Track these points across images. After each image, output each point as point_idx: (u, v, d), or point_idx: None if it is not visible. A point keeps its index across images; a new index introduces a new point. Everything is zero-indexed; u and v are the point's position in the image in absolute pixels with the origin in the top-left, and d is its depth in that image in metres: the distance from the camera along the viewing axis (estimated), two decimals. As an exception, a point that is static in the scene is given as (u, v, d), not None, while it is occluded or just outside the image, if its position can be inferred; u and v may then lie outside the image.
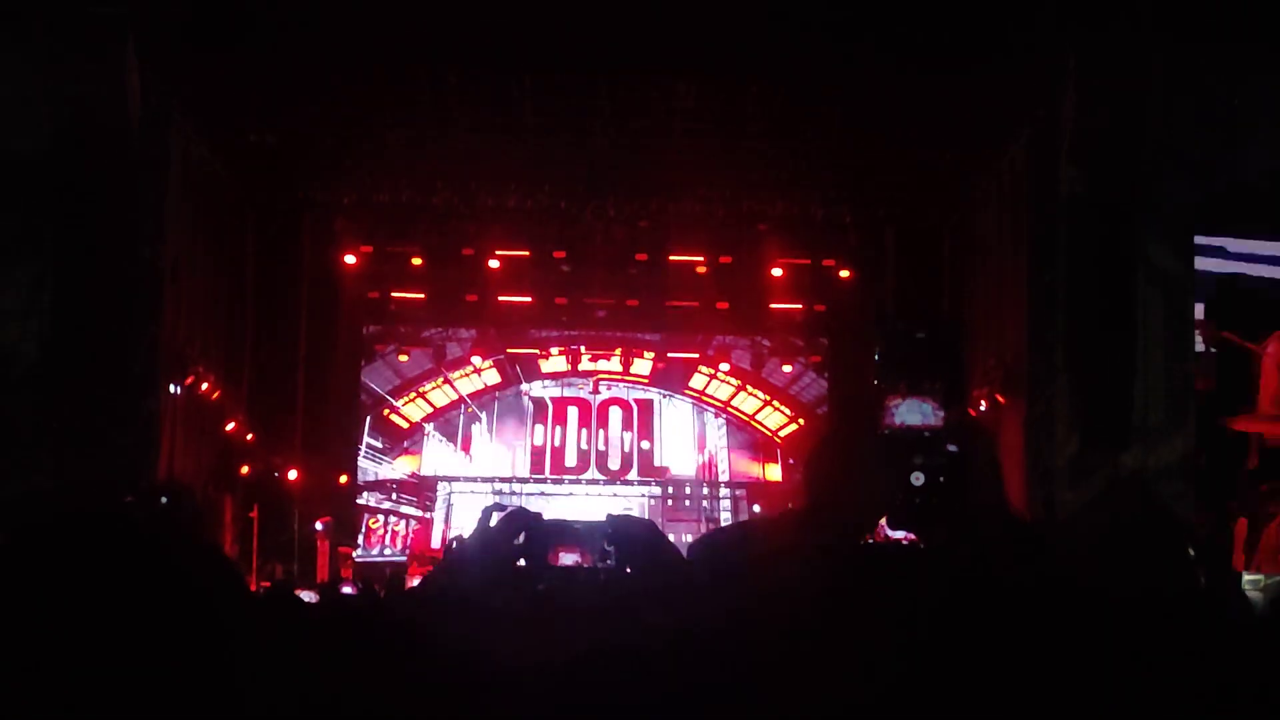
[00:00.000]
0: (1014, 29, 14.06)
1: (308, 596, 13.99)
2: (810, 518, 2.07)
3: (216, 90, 16.36)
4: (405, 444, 25.81)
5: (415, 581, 17.94)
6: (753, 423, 26.24)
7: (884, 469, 2.05)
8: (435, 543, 24.54)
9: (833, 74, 15.95)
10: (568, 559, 3.45)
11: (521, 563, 3.23)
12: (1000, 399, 17.68)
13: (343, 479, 23.35)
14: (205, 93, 16.34)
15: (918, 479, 2.41)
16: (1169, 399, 15.28)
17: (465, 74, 16.45)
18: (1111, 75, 14.78)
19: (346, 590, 14.49)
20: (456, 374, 25.86)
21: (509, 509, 3.33)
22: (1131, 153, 14.94)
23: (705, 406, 26.34)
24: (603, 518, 3.44)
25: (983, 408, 18.97)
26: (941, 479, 2.46)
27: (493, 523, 3.25)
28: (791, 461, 25.23)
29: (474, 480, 26.06)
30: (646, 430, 26.31)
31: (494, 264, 22.61)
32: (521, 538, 3.24)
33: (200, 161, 17.91)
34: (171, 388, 16.92)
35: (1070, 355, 15.60)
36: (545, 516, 3.29)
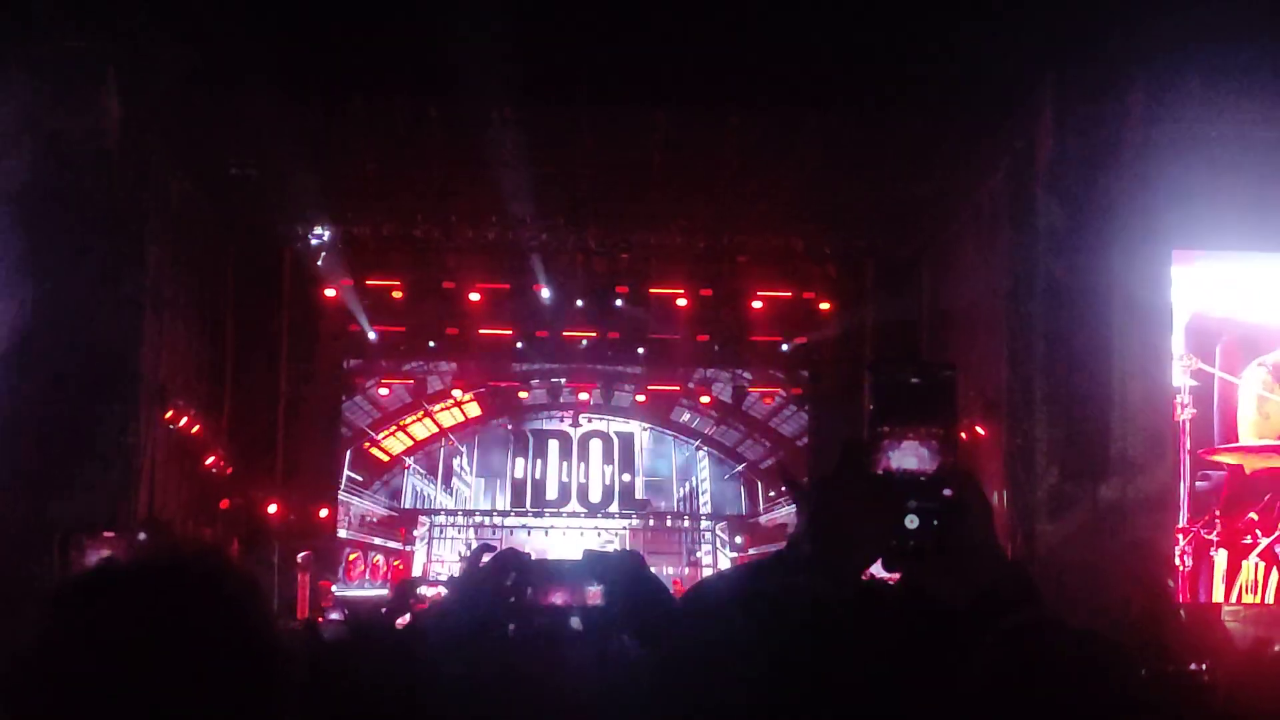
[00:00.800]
0: (992, 64, 14.13)
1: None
2: (816, 560, 2.08)
3: (197, 124, 16.36)
4: (385, 477, 25.77)
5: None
6: (733, 455, 26.25)
7: (881, 512, 2.06)
8: (416, 574, 24.46)
9: (812, 109, 16.03)
10: (556, 598, 3.48)
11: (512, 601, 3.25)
12: (980, 430, 17.73)
13: (323, 512, 23.27)
14: (186, 127, 16.32)
15: (912, 522, 2.44)
16: (1148, 430, 15.32)
17: (446, 107, 16.47)
18: (1088, 107, 14.88)
19: (334, 616, 14.44)
20: (437, 407, 25.83)
21: (498, 550, 3.35)
22: (1108, 184, 15.02)
23: (686, 439, 26.35)
24: (579, 554, 3.46)
25: (963, 439, 19.03)
26: (935, 522, 2.50)
27: (483, 563, 3.27)
28: (773, 494, 25.27)
29: (454, 513, 26.02)
30: (627, 463, 26.31)
31: (474, 297, 22.59)
32: (511, 578, 3.25)
33: (181, 195, 17.87)
34: (152, 422, 16.86)
35: (1049, 387, 15.64)
36: (534, 557, 3.31)
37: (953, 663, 1.99)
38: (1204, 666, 8.74)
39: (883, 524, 2.07)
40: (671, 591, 3.72)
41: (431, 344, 23.88)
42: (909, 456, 2.10)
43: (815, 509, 2.13)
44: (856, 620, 2.05)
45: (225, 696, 1.84)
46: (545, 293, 22.55)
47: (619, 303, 22.76)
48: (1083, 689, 1.96)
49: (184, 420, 18.25)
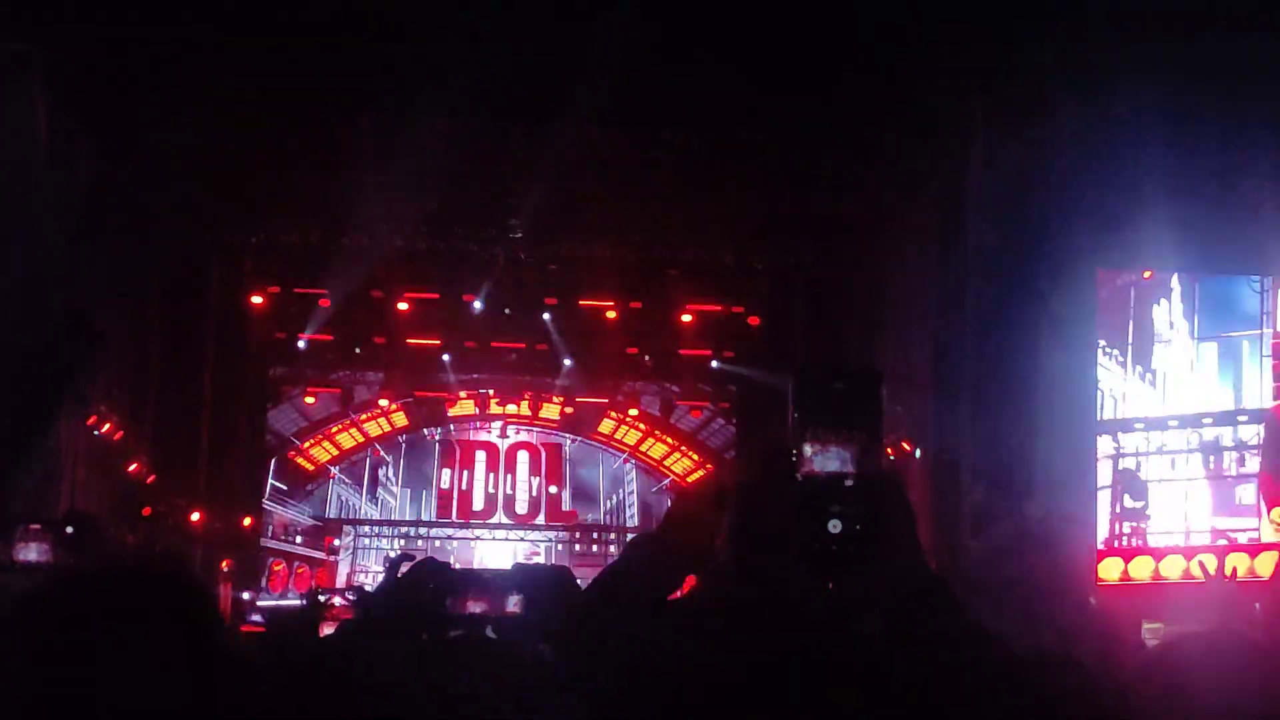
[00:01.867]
0: (920, 87, 14.23)
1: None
2: (730, 568, 2.08)
3: (125, 130, 16.19)
4: (310, 487, 25.60)
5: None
6: (661, 468, 26.25)
7: (802, 517, 2.06)
8: (340, 586, 24.31)
9: (741, 127, 16.10)
10: (475, 607, 3.45)
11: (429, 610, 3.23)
12: (906, 446, 17.82)
13: (246, 521, 23.10)
14: (113, 132, 16.16)
15: (835, 527, 2.42)
16: (1072, 447, 15.45)
17: (376, 117, 16.41)
18: (1016, 129, 15.01)
19: (255, 619, 14.36)
20: (364, 417, 25.71)
21: (417, 559, 3.33)
22: (1037, 204, 15.16)
23: (614, 452, 26.32)
24: (509, 565, 3.44)
25: (890, 453, 19.12)
26: (858, 527, 2.47)
27: (401, 572, 3.25)
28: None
29: (380, 524, 25.89)
30: (555, 475, 26.27)
31: (403, 306, 22.51)
32: (429, 587, 3.24)
33: (107, 200, 17.68)
34: (72, 427, 16.69)
35: (976, 404, 15.75)
36: (453, 565, 3.29)
37: (867, 667, 2.01)
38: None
39: (805, 527, 2.07)
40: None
41: (358, 350, 23.75)
42: (832, 460, 2.10)
43: (735, 512, 2.14)
44: (773, 622, 2.04)
45: (189, 698, 1.87)
46: (475, 304, 22.49)
47: (546, 316, 22.75)
48: (999, 695, 1.97)
49: (106, 426, 18.07)
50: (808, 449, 2.11)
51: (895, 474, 2.03)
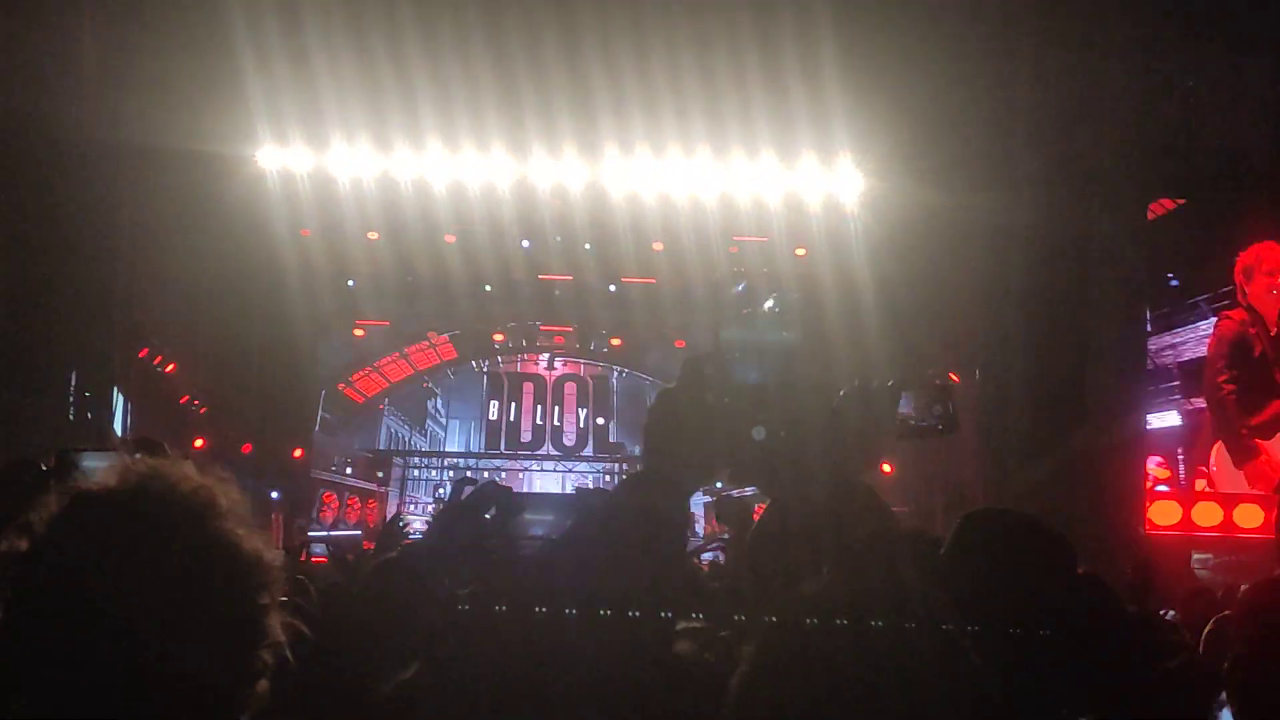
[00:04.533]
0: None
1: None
2: (645, 477, 2.09)
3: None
4: (360, 419, 25.77)
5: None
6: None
7: (724, 425, 2.05)
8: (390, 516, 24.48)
9: None
10: (538, 530, 3.50)
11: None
12: (954, 378, 17.79)
13: (297, 453, 23.27)
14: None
15: (759, 434, 2.42)
16: (1122, 378, 15.40)
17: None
18: (1066, 54, 14.89)
19: (316, 549, 14.48)
20: (412, 349, 25.81)
21: (480, 482, 3.38)
22: (1087, 134, 15.04)
23: (662, 383, 26.29)
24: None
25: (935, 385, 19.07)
26: (783, 434, 2.46)
27: (465, 495, 3.30)
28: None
29: (429, 455, 26.06)
30: (603, 407, 26.35)
31: (451, 239, 22.50)
32: (493, 510, 3.28)
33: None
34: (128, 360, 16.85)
35: (1025, 335, 15.71)
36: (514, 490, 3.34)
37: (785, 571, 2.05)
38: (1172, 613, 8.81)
39: (729, 436, 2.05)
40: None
41: (409, 279, 23.74)
42: (756, 367, 2.06)
43: (651, 421, 2.12)
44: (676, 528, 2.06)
45: (209, 605, 1.94)
46: (524, 241, 22.46)
47: (587, 246, 22.64)
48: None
49: (158, 359, 18.24)
50: (730, 355, 2.08)
51: (818, 381, 1.96)
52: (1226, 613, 5.14)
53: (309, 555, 13.51)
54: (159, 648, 1.89)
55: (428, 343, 25.71)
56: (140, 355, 17.55)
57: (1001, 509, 3.54)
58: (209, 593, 1.95)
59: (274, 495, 21.00)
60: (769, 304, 2.12)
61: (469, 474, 24.94)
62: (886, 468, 19.00)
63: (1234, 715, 2.49)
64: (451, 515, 3.30)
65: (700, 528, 20.93)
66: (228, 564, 1.98)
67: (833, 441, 2.12)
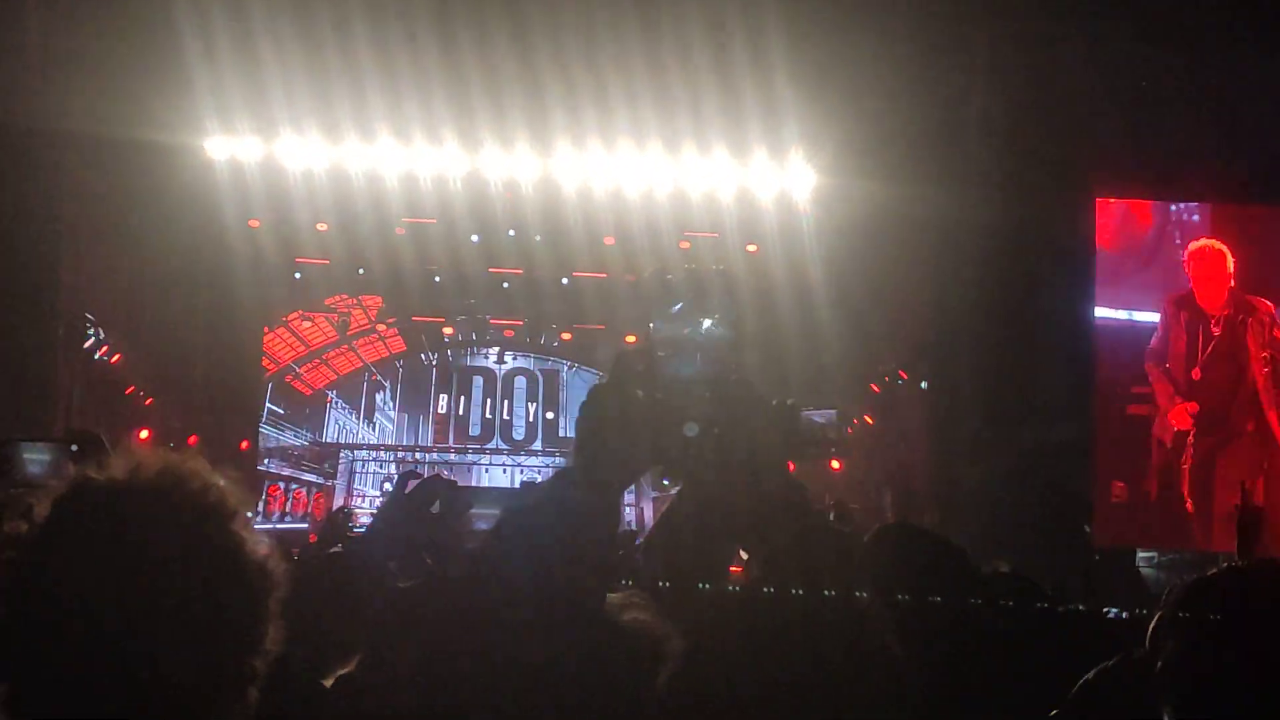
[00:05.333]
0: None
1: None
2: (576, 474, 2.07)
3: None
4: (307, 410, 25.63)
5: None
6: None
7: (653, 421, 2.03)
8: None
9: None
10: (482, 525, 3.46)
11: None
12: (904, 376, 17.87)
13: (243, 445, 23.13)
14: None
15: (691, 430, 2.40)
16: (1068, 377, 15.48)
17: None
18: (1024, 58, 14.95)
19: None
20: (360, 340, 25.68)
21: (424, 477, 3.34)
22: (1036, 130, 15.11)
23: (610, 379, 26.26)
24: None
25: (886, 382, 19.18)
26: (716, 430, 2.45)
27: (408, 489, 3.27)
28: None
29: (377, 448, 25.95)
30: (552, 401, 26.28)
31: (401, 231, 22.39)
32: (437, 504, 3.25)
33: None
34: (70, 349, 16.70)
35: (974, 331, 15.77)
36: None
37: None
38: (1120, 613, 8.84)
39: (660, 432, 2.03)
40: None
41: (362, 272, 23.61)
42: (687, 363, 2.03)
43: (581, 417, 2.10)
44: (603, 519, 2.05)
45: (215, 606, 1.92)
46: (473, 236, 22.38)
47: (538, 238, 22.55)
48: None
49: (103, 349, 18.08)
50: (661, 351, 2.05)
51: (750, 377, 1.93)
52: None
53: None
54: (153, 648, 1.86)
55: (376, 335, 25.59)
56: (85, 345, 17.37)
57: (908, 525, 3.90)
58: (211, 596, 1.92)
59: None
60: (677, 307, 2.08)
61: (415, 468, 24.86)
62: (835, 465, 19.05)
63: (1168, 717, 2.49)
64: (396, 509, 3.27)
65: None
66: (232, 567, 1.97)
67: (763, 440, 2.09)
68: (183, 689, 1.87)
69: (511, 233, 22.45)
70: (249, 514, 2.03)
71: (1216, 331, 15.08)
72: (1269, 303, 15.14)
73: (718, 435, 2.06)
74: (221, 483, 2.00)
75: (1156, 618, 4.63)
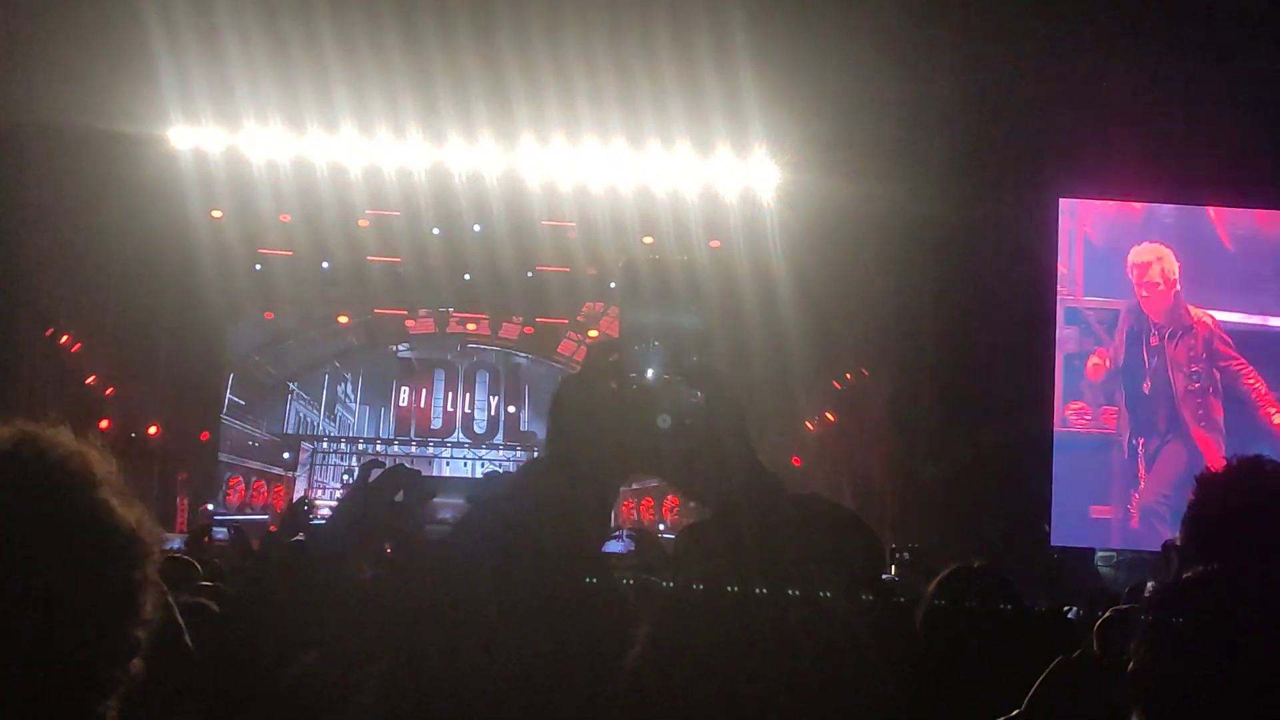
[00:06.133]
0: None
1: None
2: (554, 471, 2.08)
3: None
4: (269, 402, 25.54)
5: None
6: (620, 389, 26.19)
7: (629, 415, 2.03)
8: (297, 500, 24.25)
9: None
10: (445, 514, 3.47)
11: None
12: (865, 373, 17.92)
13: (204, 436, 23.04)
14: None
15: (664, 422, 2.41)
16: (1030, 376, 15.58)
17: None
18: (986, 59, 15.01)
19: (219, 533, 14.36)
20: (322, 333, 25.60)
21: (387, 466, 3.35)
22: (999, 132, 15.18)
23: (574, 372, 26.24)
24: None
25: (847, 379, 19.22)
26: (688, 422, 2.47)
27: (371, 479, 3.27)
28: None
29: (338, 440, 25.88)
30: (514, 395, 26.27)
31: (364, 223, 22.33)
32: (400, 494, 3.25)
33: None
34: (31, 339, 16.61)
35: (935, 328, 15.84)
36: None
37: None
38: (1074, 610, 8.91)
39: (633, 427, 2.03)
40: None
41: (326, 265, 23.52)
42: (658, 357, 2.03)
43: (554, 413, 2.10)
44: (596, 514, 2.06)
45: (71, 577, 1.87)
46: (435, 229, 22.36)
47: (501, 233, 22.48)
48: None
49: (64, 338, 17.98)
50: (633, 345, 2.05)
51: (721, 369, 1.92)
52: (1122, 606, 5.20)
53: (211, 538, 13.43)
54: (19, 621, 1.82)
55: (338, 326, 25.51)
56: (46, 334, 17.28)
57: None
58: (78, 565, 1.87)
59: (178, 478, 20.80)
60: (647, 297, 2.08)
61: (378, 458, 24.79)
62: (795, 461, 19.11)
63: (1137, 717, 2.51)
64: (358, 498, 3.27)
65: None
66: (100, 535, 1.91)
67: (737, 429, 2.10)
68: (54, 659, 1.84)
69: (476, 227, 22.43)
70: (121, 478, 1.99)
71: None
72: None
73: (690, 428, 2.07)
74: (85, 450, 1.97)
75: (1107, 614, 4.67)
